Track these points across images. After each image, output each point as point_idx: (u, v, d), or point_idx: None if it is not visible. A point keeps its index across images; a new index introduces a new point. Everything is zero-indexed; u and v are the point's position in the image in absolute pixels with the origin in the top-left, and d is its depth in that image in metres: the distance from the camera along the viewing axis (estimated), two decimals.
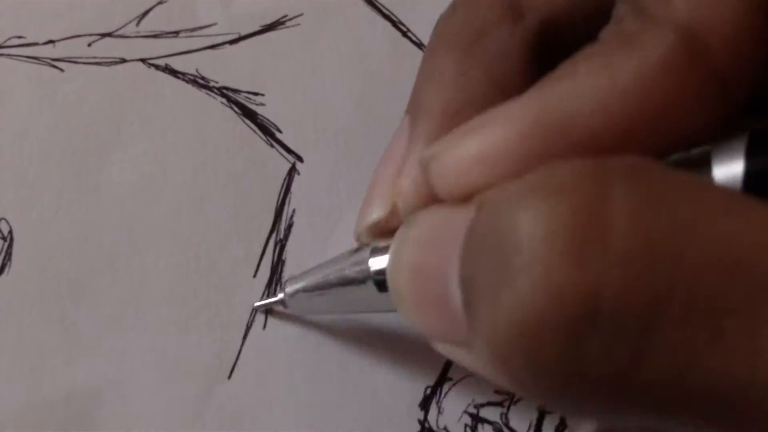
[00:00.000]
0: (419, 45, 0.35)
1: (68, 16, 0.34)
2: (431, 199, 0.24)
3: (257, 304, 0.31)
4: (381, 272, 0.26)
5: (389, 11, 0.35)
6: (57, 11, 0.34)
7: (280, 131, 0.33)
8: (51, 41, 0.34)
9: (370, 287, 0.26)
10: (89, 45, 0.34)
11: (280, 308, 0.30)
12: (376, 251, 0.27)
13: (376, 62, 0.34)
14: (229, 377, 0.30)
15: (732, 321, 0.18)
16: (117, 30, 0.34)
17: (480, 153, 0.22)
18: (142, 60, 0.34)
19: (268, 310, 0.31)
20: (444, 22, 0.27)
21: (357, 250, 0.27)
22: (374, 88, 0.34)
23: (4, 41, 0.34)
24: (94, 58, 0.34)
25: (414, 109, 0.27)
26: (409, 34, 0.35)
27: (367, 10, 0.35)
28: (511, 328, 0.19)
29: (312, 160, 0.33)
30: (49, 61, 0.34)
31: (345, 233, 0.32)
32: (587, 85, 0.21)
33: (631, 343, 0.18)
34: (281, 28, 0.35)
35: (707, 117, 0.22)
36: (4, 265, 0.31)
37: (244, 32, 0.35)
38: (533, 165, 0.21)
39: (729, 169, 0.21)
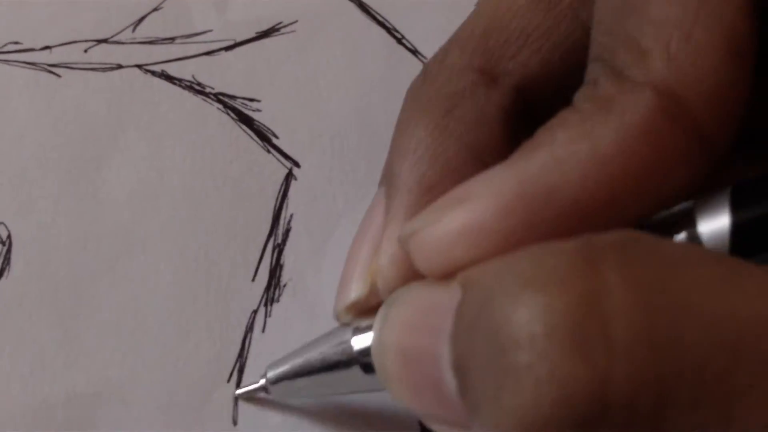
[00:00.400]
0: (414, 52, 0.35)
1: (64, 22, 0.34)
2: (411, 275, 0.23)
3: (238, 392, 0.30)
4: (365, 352, 0.25)
5: (384, 18, 0.35)
6: (53, 17, 0.34)
7: (276, 137, 0.34)
8: (47, 47, 0.34)
9: (356, 369, 0.26)
10: (85, 51, 0.34)
11: (262, 395, 0.29)
12: (359, 330, 0.26)
13: (371, 68, 0.35)
14: (228, 381, 0.30)
15: (743, 401, 0.18)
16: (113, 36, 0.34)
17: (461, 229, 0.21)
18: (139, 66, 0.34)
19: (248, 398, 0.30)
20: (415, 90, 0.27)
21: (338, 330, 0.26)
22: (369, 93, 0.34)
23: (1, 47, 0.34)
24: (91, 64, 0.34)
25: (388, 182, 0.26)
26: (404, 41, 0.35)
27: (362, 17, 0.35)
28: (518, 430, 0.18)
29: (309, 165, 0.33)
30: (45, 66, 0.34)
31: (342, 237, 0.32)
32: (567, 154, 0.21)
33: None
34: (276, 35, 0.35)
35: (691, 175, 0.21)
36: (2, 269, 0.31)
37: (239, 39, 0.35)
38: (516, 239, 0.20)
39: (714, 224, 0.21)
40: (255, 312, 0.31)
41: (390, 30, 0.35)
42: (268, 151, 0.33)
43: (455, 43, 0.27)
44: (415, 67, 0.35)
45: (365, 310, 0.25)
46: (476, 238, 0.21)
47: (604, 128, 0.21)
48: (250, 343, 0.31)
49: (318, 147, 0.34)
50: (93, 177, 0.32)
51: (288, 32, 0.35)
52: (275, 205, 0.33)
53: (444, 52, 0.27)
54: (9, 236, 0.31)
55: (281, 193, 0.33)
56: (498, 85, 0.26)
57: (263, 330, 0.31)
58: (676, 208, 0.22)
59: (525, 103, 0.26)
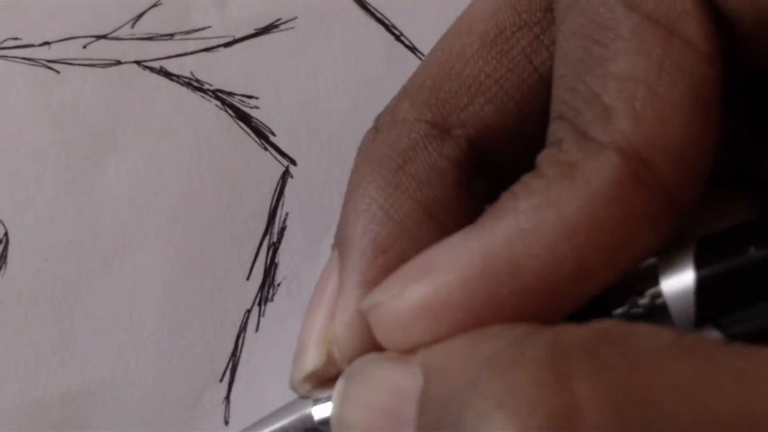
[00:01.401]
0: (412, 49, 0.35)
1: (63, 18, 0.34)
2: (368, 342, 0.23)
3: None
4: (326, 422, 0.25)
5: (382, 15, 0.35)
6: (52, 13, 0.34)
7: (273, 134, 0.34)
8: (46, 43, 0.34)
9: None
10: (84, 47, 0.34)
11: None
12: (318, 401, 0.25)
13: (369, 66, 0.35)
14: (221, 380, 0.30)
15: None
16: (112, 32, 0.34)
17: (424, 305, 0.21)
18: (137, 62, 0.34)
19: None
20: (367, 146, 0.26)
21: (299, 402, 0.26)
22: (367, 91, 0.34)
23: (0, 42, 0.34)
24: (89, 60, 0.34)
25: (341, 245, 0.25)
26: (402, 38, 0.35)
27: (361, 13, 0.35)
28: None
29: (305, 163, 0.33)
30: (44, 62, 0.34)
31: None
32: (532, 225, 0.20)
33: None
34: (275, 32, 0.35)
35: (658, 235, 0.21)
36: None
37: (238, 35, 0.35)
38: (480, 314, 0.20)
39: (678, 281, 0.20)
40: (249, 311, 0.31)
41: (388, 27, 0.35)
42: (265, 149, 0.33)
43: (405, 95, 0.26)
44: (413, 64, 0.34)
45: (323, 380, 0.25)
46: (438, 314, 0.21)
47: (570, 195, 0.20)
48: (243, 342, 0.31)
49: (315, 145, 0.34)
50: (90, 174, 0.32)
51: (287, 29, 0.35)
52: (271, 204, 0.33)
53: (395, 104, 0.26)
54: (6, 233, 0.31)
55: (277, 192, 0.33)
56: (450, 137, 0.25)
57: (257, 329, 0.31)
58: (640, 265, 0.21)
59: (480, 154, 0.25)
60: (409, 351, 0.21)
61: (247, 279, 0.32)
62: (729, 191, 0.24)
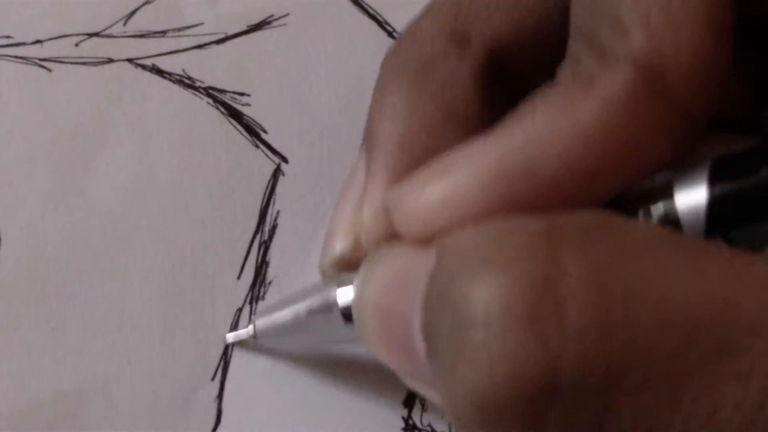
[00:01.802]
0: None
1: (56, 16, 0.34)
2: (392, 230, 0.24)
3: (228, 336, 0.31)
4: (347, 306, 0.26)
5: (375, 11, 0.35)
6: (44, 11, 0.34)
7: (265, 132, 0.34)
8: (38, 41, 0.34)
9: (338, 320, 0.27)
10: (77, 45, 0.34)
11: (251, 341, 0.30)
12: (342, 283, 0.27)
13: (362, 62, 0.35)
14: (213, 378, 0.31)
15: (692, 384, 0.18)
16: (104, 30, 0.34)
17: (443, 199, 0.22)
18: (129, 60, 0.34)
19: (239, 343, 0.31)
20: (390, 57, 0.27)
21: (323, 284, 0.28)
22: (360, 88, 0.34)
23: None
24: (82, 58, 0.34)
25: (369, 142, 0.27)
26: (395, 35, 0.35)
27: (354, 10, 0.35)
28: (469, 402, 0.19)
29: (297, 161, 0.33)
30: (36, 61, 0.34)
31: None
32: (549, 129, 0.21)
33: (592, 414, 0.19)
34: (267, 28, 0.35)
35: (672, 147, 0.22)
36: None
37: (230, 32, 0.35)
38: (497, 210, 0.21)
39: (691, 197, 0.21)
40: (240, 309, 0.31)
41: (381, 23, 0.35)
42: (257, 146, 0.33)
43: (428, 12, 0.27)
44: None
45: (349, 265, 0.27)
46: (456, 208, 0.22)
47: (586, 104, 0.21)
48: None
49: (307, 142, 0.34)
50: (82, 172, 0.32)
51: (279, 26, 0.35)
52: (262, 201, 0.33)
53: (417, 20, 0.27)
54: None
55: (269, 190, 0.33)
56: (470, 47, 0.26)
57: None
58: (656, 180, 0.22)
59: (498, 66, 0.26)
60: (428, 240, 0.22)
61: (239, 277, 0.32)
62: (742, 138, 0.25)
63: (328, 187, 0.33)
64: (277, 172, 0.33)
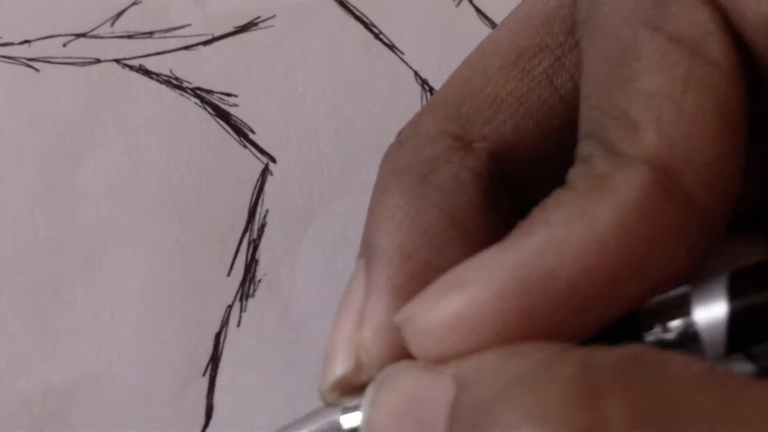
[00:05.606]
0: (391, 47, 0.35)
1: (44, 17, 0.34)
2: (396, 349, 0.23)
3: None
4: (354, 431, 0.24)
5: (361, 13, 0.36)
6: (33, 11, 0.34)
7: (253, 132, 0.34)
8: (26, 41, 0.34)
9: None
10: (64, 45, 0.34)
11: None
12: (347, 409, 0.24)
13: (348, 64, 0.35)
14: (203, 375, 0.31)
15: None
16: (92, 30, 0.35)
17: (458, 317, 0.21)
18: (117, 60, 0.34)
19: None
20: (391, 157, 0.26)
21: (327, 409, 0.25)
22: (346, 89, 0.35)
23: None
24: (69, 58, 0.34)
25: (368, 252, 0.25)
26: (381, 37, 0.35)
27: (340, 12, 0.36)
28: None
29: (285, 160, 0.34)
30: (24, 60, 0.34)
31: (317, 233, 0.32)
32: (563, 236, 0.20)
33: None
34: (254, 30, 0.35)
35: (689, 252, 0.21)
36: None
37: (217, 33, 0.35)
38: (513, 326, 0.20)
39: (710, 312, 0.21)
40: (230, 307, 0.32)
41: (367, 25, 0.36)
42: (245, 146, 0.34)
43: (428, 111, 0.26)
44: (392, 62, 0.35)
45: (351, 388, 0.24)
46: (472, 326, 0.21)
47: (601, 207, 0.20)
48: (225, 337, 0.31)
49: (294, 142, 0.34)
50: (70, 171, 0.33)
51: (266, 27, 0.35)
52: (251, 201, 0.33)
53: (417, 119, 0.26)
54: None
55: (257, 189, 0.33)
56: (472, 150, 0.25)
57: (238, 325, 0.31)
58: (671, 294, 0.21)
59: (501, 169, 0.25)
60: (441, 361, 0.21)
61: (228, 275, 0.32)
62: (757, 236, 0.25)
63: (316, 186, 0.33)
64: (265, 172, 0.33)
